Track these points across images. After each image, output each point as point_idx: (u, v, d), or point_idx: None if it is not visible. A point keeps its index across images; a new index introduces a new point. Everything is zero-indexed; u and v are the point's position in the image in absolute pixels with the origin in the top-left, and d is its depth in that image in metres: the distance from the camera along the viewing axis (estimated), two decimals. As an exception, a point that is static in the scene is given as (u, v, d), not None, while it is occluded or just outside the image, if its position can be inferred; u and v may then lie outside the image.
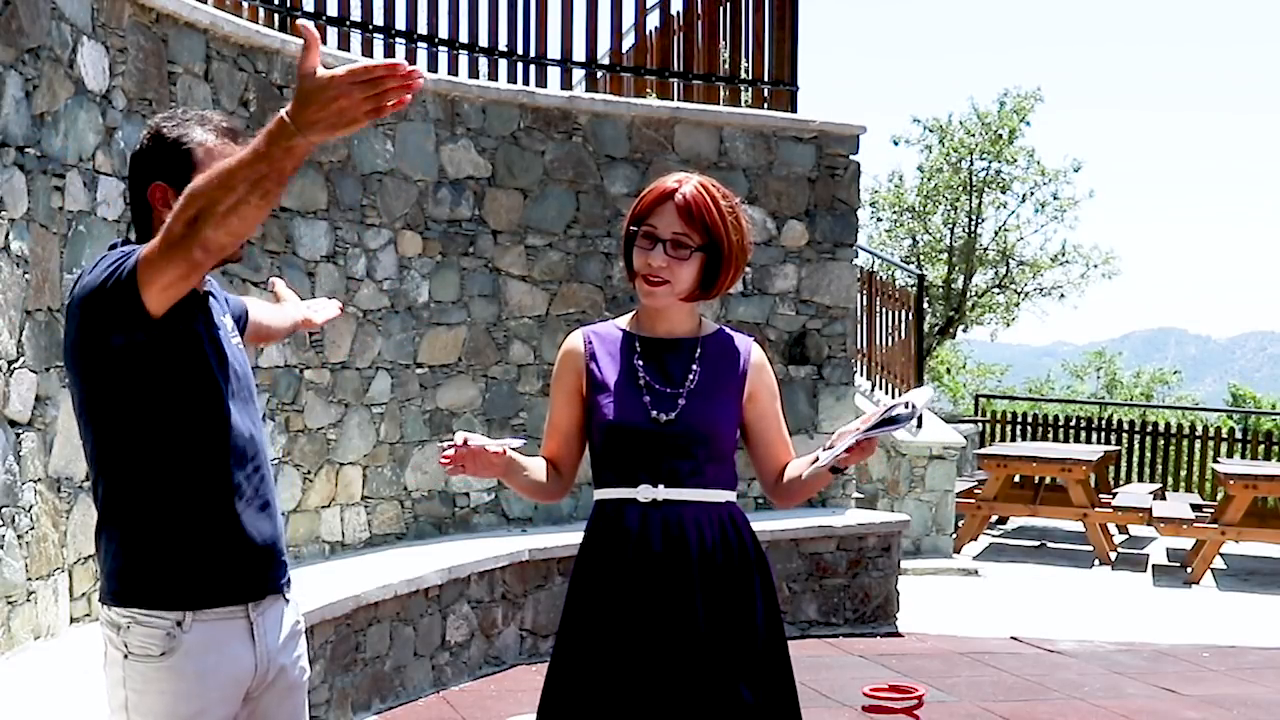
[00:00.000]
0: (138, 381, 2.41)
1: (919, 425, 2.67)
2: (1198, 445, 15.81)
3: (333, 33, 7.24)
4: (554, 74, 8.27)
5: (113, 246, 2.53)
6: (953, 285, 23.29)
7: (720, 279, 2.90)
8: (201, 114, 2.57)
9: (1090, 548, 11.40)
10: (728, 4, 8.90)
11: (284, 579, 2.61)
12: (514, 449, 2.81)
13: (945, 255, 23.53)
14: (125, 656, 2.44)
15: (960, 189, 23.25)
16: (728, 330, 3.02)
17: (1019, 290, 24.03)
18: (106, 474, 2.48)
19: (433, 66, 7.65)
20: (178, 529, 2.44)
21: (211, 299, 2.58)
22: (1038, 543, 12.18)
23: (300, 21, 2.13)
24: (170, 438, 2.44)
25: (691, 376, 2.90)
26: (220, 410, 2.48)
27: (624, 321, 3.01)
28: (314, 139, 2.08)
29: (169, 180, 2.48)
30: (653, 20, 9.10)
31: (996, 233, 23.73)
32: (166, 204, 2.44)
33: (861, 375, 11.22)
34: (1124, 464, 15.72)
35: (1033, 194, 23.58)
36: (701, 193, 2.87)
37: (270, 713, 2.59)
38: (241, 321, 2.88)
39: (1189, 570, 10.57)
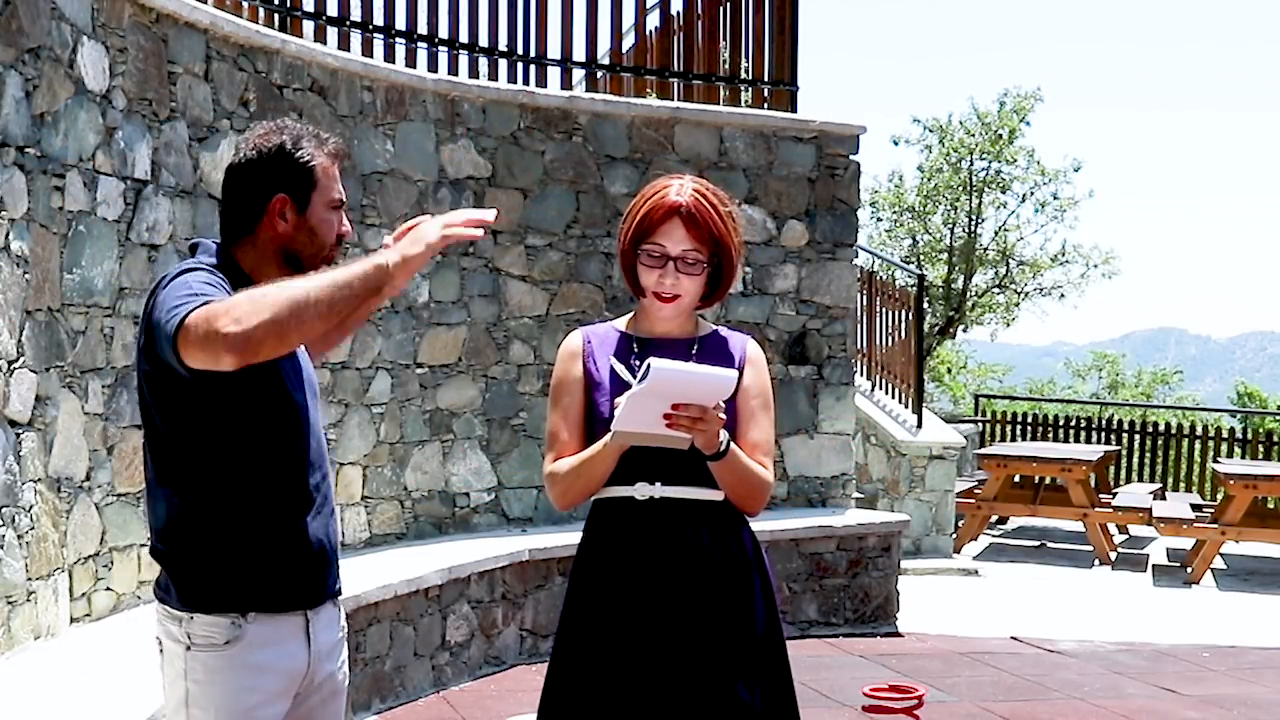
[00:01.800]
0: (214, 400, 2.40)
1: (646, 373, 2.61)
2: (1198, 445, 15.81)
3: (333, 33, 7.22)
4: (554, 74, 8.28)
5: (193, 247, 2.55)
6: (953, 285, 23.26)
7: (725, 283, 2.94)
8: (316, 132, 2.59)
9: (1090, 548, 11.40)
10: (728, 4, 8.90)
11: (337, 584, 2.62)
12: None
13: (945, 255, 23.50)
14: (188, 648, 2.45)
15: (960, 189, 23.22)
16: (723, 331, 3.03)
17: (1019, 290, 24.00)
18: (175, 478, 2.46)
19: (433, 66, 7.65)
20: (249, 541, 2.45)
21: None
22: (1038, 543, 12.18)
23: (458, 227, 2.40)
24: (248, 453, 2.44)
25: (689, 375, 2.90)
26: (299, 425, 2.49)
27: (621, 323, 3.02)
28: (399, 284, 2.35)
29: (291, 194, 2.52)
30: (653, 20, 9.09)
31: (996, 233, 23.71)
32: (283, 216, 2.51)
33: (861, 375, 11.22)
34: (1124, 464, 15.72)
35: (1033, 194, 23.56)
36: (702, 202, 2.86)
37: (315, 717, 2.60)
38: None
39: (1189, 570, 10.57)
